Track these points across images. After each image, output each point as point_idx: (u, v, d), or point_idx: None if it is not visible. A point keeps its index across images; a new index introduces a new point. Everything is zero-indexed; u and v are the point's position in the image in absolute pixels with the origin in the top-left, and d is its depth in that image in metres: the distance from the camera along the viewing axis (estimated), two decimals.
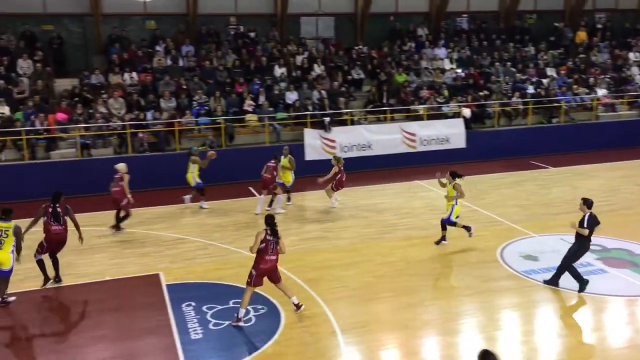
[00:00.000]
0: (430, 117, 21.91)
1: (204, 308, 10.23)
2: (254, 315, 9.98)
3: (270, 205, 16.02)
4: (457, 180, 12.94)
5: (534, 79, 24.70)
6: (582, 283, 10.67)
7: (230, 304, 10.37)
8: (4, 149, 17.90)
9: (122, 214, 14.44)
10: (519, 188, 18.22)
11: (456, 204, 12.94)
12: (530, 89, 23.97)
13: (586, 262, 11.87)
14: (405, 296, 10.73)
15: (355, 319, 9.91)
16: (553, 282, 10.90)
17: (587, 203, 10.63)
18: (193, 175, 15.88)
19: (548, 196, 17.19)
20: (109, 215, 15.38)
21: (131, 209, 14.40)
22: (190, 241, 13.52)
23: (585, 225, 10.48)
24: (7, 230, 10.31)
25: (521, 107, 23.16)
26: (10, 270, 10.41)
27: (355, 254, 12.80)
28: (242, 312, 9.67)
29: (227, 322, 9.75)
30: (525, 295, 10.75)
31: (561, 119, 23.49)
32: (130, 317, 10.05)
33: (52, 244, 11.35)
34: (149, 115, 19.28)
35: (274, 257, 9.67)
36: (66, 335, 9.55)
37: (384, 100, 22.36)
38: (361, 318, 9.93)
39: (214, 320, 9.83)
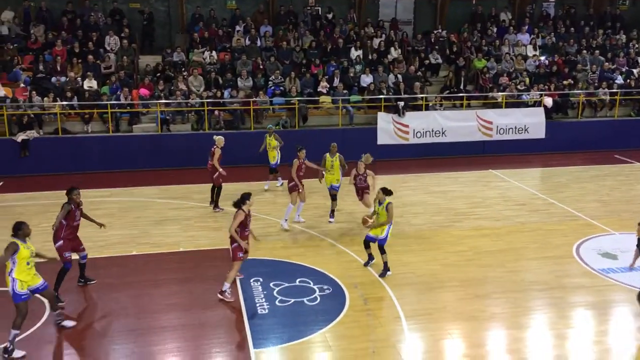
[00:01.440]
0: (509, 105, 21.25)
1: (271, 284, 10.44)
2: (319, 295, 10.10)
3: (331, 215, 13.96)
4: (389, 199, 10.81)
5: (623, 69, 23.43)
6: None
7: (297, 282, 10.54)
8: (91, 121, 18.84)
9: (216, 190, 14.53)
10: (600, 183, 17.41)
11: (390, 225, 10.93)
12: (619, 80, 22.76)
13: None
14: (473, 287, 10.53)
15: (421, 306, 9.83)
16: None
17: None
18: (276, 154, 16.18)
19: (631, 192, 16.34)
20: (181, 189, 15.89)
21: (219, 183, 14.45)
22: (260, 219, 13.78)
23: None
24: None
25: (608, 98, 22.02)
26: (17, 297, 8.32)
27: (423, 241, 12.67)
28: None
29: (292, 300, 9.92)
30: (601, 295, 10.31)
31: None
32: (201, 288, 10.40)
33: None
34: (226, 93, 19.72)
35: None
36: (141, 301, 10.00)
37: (461, 87, 21.86)
38: (426, 305, 9.84)
39: (280, 297, 10.02)
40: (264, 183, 16.51)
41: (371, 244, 11.01)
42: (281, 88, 20.44)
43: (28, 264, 8.33)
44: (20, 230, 8.34)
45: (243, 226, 9.78)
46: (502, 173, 18.30)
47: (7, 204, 15.05)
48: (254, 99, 19.63)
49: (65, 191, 9.94)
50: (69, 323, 9.07)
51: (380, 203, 10.80)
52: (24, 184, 16.75)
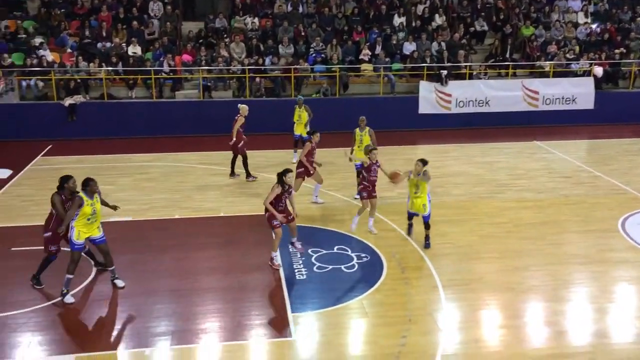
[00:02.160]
0: (557, 75, 20.61)
1: (309, 251, 10.55)
2: (357, 263, 10.17)
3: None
4: (426, 167, 10.45)
5: None
6: None
7: (335, 250, 10.63)
8: (135, 86, 19.14)
9: (238, 159, 14.48)
10: None
11: (430, 197, 10.69)
12: None
13: None
14: (513, 259, 10.43)
15: (459, 276, 9.80)
16: None
17: None
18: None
19: None
20: (222, 155, 16.03)
21: (239, 152, 14.37)
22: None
23: None
24: None
25: None
26: (72, 244, 8.85)
27: (462, 212, 12.55)
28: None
29: (330, 267, 10.03)
30: None
31: None
32: (240, 252, 10.59)
33: None
34: (267, 60, 19.70)
35: None
36: (183, 263, 10.25)
37: (507, 55, 21.28)
38: (464, 276, 9.81)
39: (318, 264, 10.13)
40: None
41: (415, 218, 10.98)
42: (322, 55, 20.29)
43: (89, 219, 8.82)
44: (87, 186, 8.86)
45: (278, 200, 9.82)
46: (547, 144, 17.88)
47: (56, 166, 15.53)
48: (295, 66, 19.57)
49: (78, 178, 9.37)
50: (120, 283, 9.39)
51: (418, 174, 10.49)
52: (72, 147, 17.25)
